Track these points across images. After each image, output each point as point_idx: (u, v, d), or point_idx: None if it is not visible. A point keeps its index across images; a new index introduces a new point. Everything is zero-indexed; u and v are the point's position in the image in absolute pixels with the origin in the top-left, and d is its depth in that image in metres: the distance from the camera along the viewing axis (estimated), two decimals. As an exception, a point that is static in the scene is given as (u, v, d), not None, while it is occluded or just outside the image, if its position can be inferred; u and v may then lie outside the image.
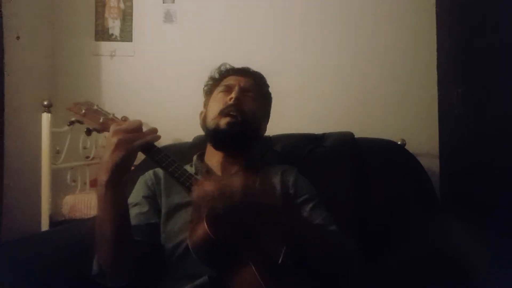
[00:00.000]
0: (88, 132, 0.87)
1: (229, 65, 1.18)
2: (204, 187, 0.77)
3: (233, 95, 1.05)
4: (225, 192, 0.75)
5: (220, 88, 1.12)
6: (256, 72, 1.19)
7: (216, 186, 0.76)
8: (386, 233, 1.27)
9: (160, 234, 0.97)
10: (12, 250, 0.97)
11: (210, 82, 1.18)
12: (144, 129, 0.83)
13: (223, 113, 1.04)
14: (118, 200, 0.82)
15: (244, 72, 1.16)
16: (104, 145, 1.93)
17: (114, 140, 0.78)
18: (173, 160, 0.84)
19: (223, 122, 1.03)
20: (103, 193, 0.79)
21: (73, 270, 0.96)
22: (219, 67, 1.18)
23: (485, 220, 1.25)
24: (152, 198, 1.02)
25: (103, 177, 0.78)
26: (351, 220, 1.24)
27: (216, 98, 1.10)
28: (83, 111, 0.86)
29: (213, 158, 1.09)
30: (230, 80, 1.12)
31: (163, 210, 1.00)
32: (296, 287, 0.83)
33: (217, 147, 1.08)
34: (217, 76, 1.17)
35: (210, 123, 1.06)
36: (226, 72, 1.16)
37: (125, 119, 1.93)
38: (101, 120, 0.85)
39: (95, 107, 0.88)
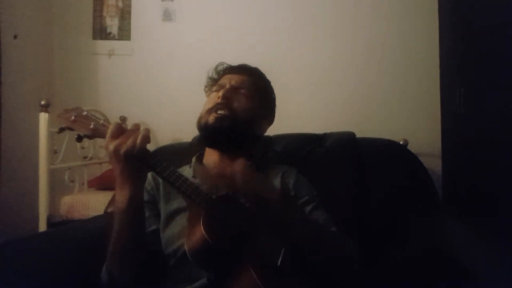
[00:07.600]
0: (79, 138, 0.86)
1: (226, 64, 1.16)
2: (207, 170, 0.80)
3: (220, 93, 1.04)
4: (225, 174, 0.78)
5: (214, 88, 1.11)
6: (253, 68, 1.16)
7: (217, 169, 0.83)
8: (387, 233, 1.26)
9: (160, 239, 0.97)
10: (9, 251, 0.96)
11: (210, 83, 1.16)
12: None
13: (211, 111, 1.03)
14: (135, 209, 0.83)
15: (239, 69, 1.14)
16: (102, 146, 1.92)
17: (109, 149, 0.81)
18: (167, 164, 0.83)
19: (211, 117, 1.02)
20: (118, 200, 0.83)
21: (72, 271, 0.96)
22: (216, 67, 1.17)
23: (487, 220, 1.25)
24: (152, 203, 1.01)
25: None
26: (352, 220, 1.23)
27: (209, 98, 1.10)
28: (73, 117, 0.86)
29: (211, 159, 1.08)
30: (224, 79, 1.11)
31: (162, 215, 0.99)
32: (296, 288, 0.81)
33: (209, 143, 1.07)
34: (215, 76, 1.16)
35: (200, 121, 1.06)
36: (223, 71, 1.15)
37: (123, 118, 1.91)
38: (91, 126, 0.85)
39: (85, 113, 0.87)
